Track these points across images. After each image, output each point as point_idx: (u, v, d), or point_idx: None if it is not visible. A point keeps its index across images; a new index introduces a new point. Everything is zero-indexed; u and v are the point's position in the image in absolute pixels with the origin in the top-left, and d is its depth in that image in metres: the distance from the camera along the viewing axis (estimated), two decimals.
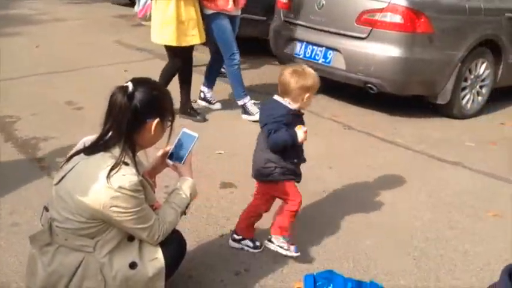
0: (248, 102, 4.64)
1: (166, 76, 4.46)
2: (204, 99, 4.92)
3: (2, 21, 8.20)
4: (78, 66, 5.98)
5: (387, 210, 3.24)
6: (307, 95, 2.56)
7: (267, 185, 2.66)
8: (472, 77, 4.93)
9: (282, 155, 2.57)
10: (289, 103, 2.57)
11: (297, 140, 2.53)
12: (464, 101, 4.94)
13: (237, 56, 4.56)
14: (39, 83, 5.29)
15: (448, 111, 4.93)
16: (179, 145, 2.18)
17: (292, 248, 2.61)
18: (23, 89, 5.08)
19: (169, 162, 2.18)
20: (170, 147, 2.19)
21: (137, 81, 1.95)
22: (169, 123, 2.04)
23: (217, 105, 4.90)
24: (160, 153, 2.23)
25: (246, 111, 4.63)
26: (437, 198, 3.42)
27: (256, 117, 4.53)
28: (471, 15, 4.71)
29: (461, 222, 3.15)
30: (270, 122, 2.54)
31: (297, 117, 2.61)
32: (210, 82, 4.92)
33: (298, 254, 2.60)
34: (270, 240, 2.65)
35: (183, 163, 2.17)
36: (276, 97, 2.62)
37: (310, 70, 2.63)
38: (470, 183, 3.66)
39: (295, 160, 2.64)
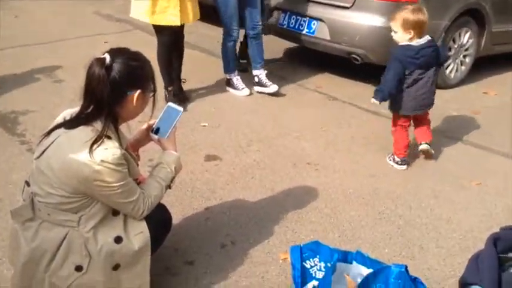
0: (234, 77, 4.57)
1: (160, 58, 4.05)
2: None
3: None
4: (57, 38, 5.83)
5: (371, 181, 3.25)
6: None
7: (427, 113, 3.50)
8: (456, 46, 4.92)
9: None
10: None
11: None
12: (447, 71, 4.94)
13: (236, 34, 4.40)
14: (18, 56, 5.15)
15: None
16: (163, 119, 2.14)
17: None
18: (0, 61, 4.94)
19: (154, 136, 2.15)
20: (154, 121, 2.15)
21: (115, 52, 1.88)
22: (151, 94, 1.99)
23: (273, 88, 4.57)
24: (144, 126, 2.20)
25: (232, 85, 4.58)
26: (420, 167, 3.45)
27: (243, 92, 4.49)
28: None
29: (444, 191, 3.18)
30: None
31: None
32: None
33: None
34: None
35: (167, 137, 2.14)
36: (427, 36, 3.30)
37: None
38: (453, 153, 3.69)
39: None
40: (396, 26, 3.24)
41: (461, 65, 5.07)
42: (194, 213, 2.83)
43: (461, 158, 3.62)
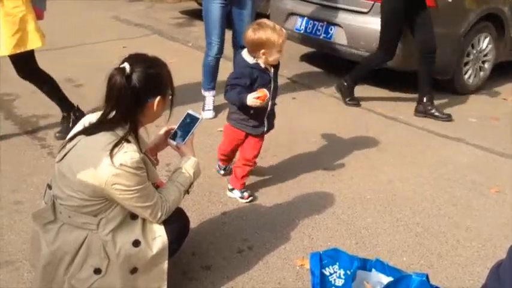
0: (208, 96, 4.20)
1: None
2: None
3: None
4: (77, 43, 5.91)
5: (388, 187, 3.23)
6: (262, 51, 2.68)
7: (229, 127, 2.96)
8: (475, 52, 4.88)
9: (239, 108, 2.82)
10: (250, 57, 2.73)
11: (245, 102, 2.68)
12: (466, 76, 4.90)
13: (214, 50, 3.99)
14: (38, 60, 5.18)
15: (451, 86, 4.89)
16: (182, 125, 2.17)
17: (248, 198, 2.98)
18: None
19: (172, 142, 2.17)
20: (172, 126, 2.17)
21: (133, 60, 1.90)
22: (170, 97, 2.02)
23: None
24: (163, 131, 2.22)
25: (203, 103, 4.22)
26: (439, 174, 3.42)
27: (204, 113, 4.10)
28: None
29: (463, 198, 3.15)
30: (231, 78, 2.77)
31: (263, 73, 2.75)
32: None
33: (250, 199, 2.98)
34: (230, 190, 3.02)
35: (185, 143, 2.16)
36: (243, 51, 2.78)
37: (269, 24, 2.70)
38: (472, 159, 3.65)
39: (252, 111, 2.79)
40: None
41: (480, 70, 5.02)
42: (211, 217, 2.84)
43: (479, 164, 3.58)
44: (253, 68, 2.72)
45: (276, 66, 2.83)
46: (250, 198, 2.98)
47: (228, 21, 4.03)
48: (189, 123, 2.17)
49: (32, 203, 2.80)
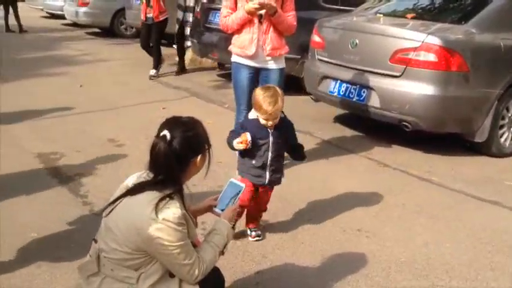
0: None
1: None
2: None
3: (48, 62, 8.61)
4: (119, 105, 6.20)
5: (424, 250, 3.19)
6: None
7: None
8: (510, 115, 4.87)
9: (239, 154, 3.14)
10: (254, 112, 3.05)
11: (232, 145, 3.04)
12: (502, 139, 4.87)
13: (243, 115, 3.96)
14: (83, 121, 5.49)
15: (487, 149, 4.86)
16: (225, 194, 2.28)
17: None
18: (67, 126, 5.29)
19: (217, 211, 2.29)
20: (217, 196, 2.31)
21: (171, 126, 2.02)
22: (208, 151, 2.11)
23: None
24: (209, 202, 2.34)
25: None
26: (476, 238, 3.36)
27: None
28: (506, 53, 4.70)
29: (501, 263, 3.08)
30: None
31: (260, 128, 3.02)
32: None
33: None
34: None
35: (227, 208, 2.28)
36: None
37: (272, 94, 2.96)
38: (509, 223, 3.58)
39: (253, 162, 3.07)
40: None
41: None
42: (245, 277, 2.86)
43: None
44: (252, 121, 3.04)
45: (279, 127, 3.05)
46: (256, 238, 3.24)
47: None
48: (231, 191, 2.29)
49: (72, 259, 2.87)
